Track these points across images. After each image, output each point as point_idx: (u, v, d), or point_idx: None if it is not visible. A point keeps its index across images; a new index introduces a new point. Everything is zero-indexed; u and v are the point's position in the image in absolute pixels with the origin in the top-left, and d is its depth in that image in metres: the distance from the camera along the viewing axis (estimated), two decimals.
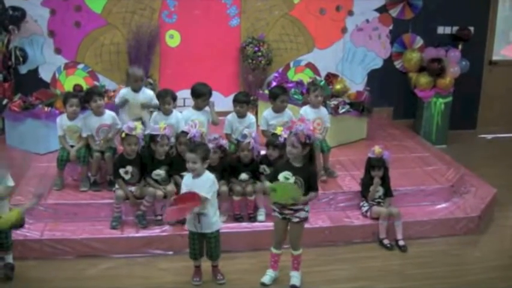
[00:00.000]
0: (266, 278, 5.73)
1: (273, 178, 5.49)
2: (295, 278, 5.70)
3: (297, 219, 5.52)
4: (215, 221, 5.54)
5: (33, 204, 5.79)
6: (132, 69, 7.46)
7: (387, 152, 6.85)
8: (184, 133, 6.59)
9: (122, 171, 6.43)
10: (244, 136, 6.69)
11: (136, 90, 7.24)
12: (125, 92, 7.28)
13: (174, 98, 7.16)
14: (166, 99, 7.00)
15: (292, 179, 5.37)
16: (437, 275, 6.07)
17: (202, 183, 5.41)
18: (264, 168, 6.65)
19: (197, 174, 5.43)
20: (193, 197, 5.30)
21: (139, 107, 7.20)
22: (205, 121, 7.12)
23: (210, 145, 6.43)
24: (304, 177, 5.41)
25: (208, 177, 5.48)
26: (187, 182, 5.49)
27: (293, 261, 5.70)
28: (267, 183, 5.65)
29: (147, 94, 7.32)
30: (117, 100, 7.26)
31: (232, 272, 5.85)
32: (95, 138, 6.87)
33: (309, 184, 5.46)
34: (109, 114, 6.99)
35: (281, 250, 5.71)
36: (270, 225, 5.83)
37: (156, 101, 7.16)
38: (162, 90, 7.20)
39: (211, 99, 7.20)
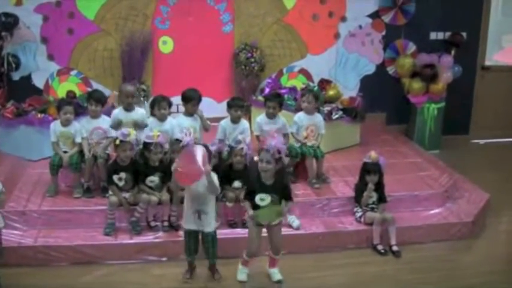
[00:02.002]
0: (242, 276, 5.87)
1: (250, 199, 5.64)
2: (276, 274, 5.84)
3: (274, 223, 5.68)
4: (213, 221, 5.70)
5: None
6: (124, 85, 7.43)
7: (383, 158, 6.86)
8: (178, 141, 6.58)
9: (115, 177, 6.42)
10: (238, 142, 6.69)
11: (128, 109, 7.15)
12: (117, 112, 7.15)
13: (170, 104, 7.15)
14: (162, 104, 6.98)
15: (268, 199, 5.54)
16: (431, 280, 6.08)
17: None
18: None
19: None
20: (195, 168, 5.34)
21: (132, 125, 7.15)
22: (197, 127, 7.12)
23: (213, 148, 6.46)
24: (278, 193, 5.59)
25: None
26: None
27: (271, 262, 5.87)
28: (250, 211, 5.69)
29: (140, 113, 7.20)
30: (111, 123, 7.15)
31: (227, 277, 5.85)
32: (88, 141, 6.87)
33: (285, 196, 5.66)
34: (105, 119, 7.02)
35: (253, 258, 5.85)
36: (263, 230, 5.83)
37: (146, 121, 7.12)
38: (158, 95, 7.18)
39: (200, 107, 7.20)
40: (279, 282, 5.80)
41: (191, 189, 5.58)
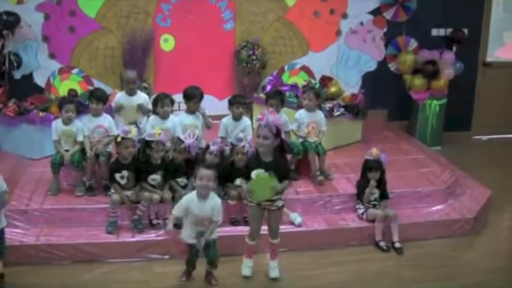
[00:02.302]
0: (247, 270, 5.84)
1: (247, 178, 5.58)
2: (274, 269, 5.81)
3: (274, 208, 5.63)
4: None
5: None
6: (125, 71, 7.54)
7: (384, 155, 6.85)
8: (181, 141, 6.59)
9: (117, 175, 6.42)
10: (239, 139, 6.69)
11: (130, 94, 7.25)
12: (119, 96, 7.30)
13: (173, 102, 7.16)
14: (165, 102, 6.99)
15: (265, 175, 5.43)
16: (433, 276, 6.08)
17: (212, 207, 5.39)
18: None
19: (207, 194, 5.37)
20: None
21: (135, 110, 7.20)
22: (199, 124, 7.12)
23: (214, 147, 6.46)
24: (276, 170, 5.46)
25: (216, 201, 5.44)
26: (195, 207, 5.38)
27: (271, 250, 5.82)
28: (244, 187, 5.72)
29: (142, 97, 7.34)
30: (113, 105, 7.27)
31: (228, 275, 5.83)
32: (90, 139, 6.89)
33: (282, 174, 5.53)
34: (106, 117, 7.03)
35: (255, 241, 5.79)
36: (265, 228, 5.83)
37: (150, 106, 7.17)
38: (161, 93, 7.17)
39: (202, 105, 7.20)
40: (274, 279, 5.79)
41: (196, 215, 5.42)
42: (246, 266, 5.86)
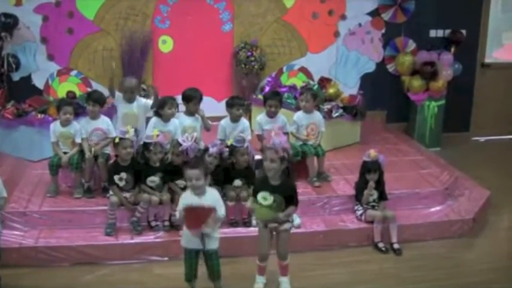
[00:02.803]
0: (259, 286, 5.68)
1: (253, 197, 5.47)
2: (284, 283, 5.68)
3: (282, 230, 5.53)
4: (217, 237, 5.36)
5: None
6: (125, 79, 7.45)
7: (382, 156, 6.86)
8: (180, 144, 6.59)
9: (116, 177, 6.42)
10: (239, 141, 6.68)
11: (130, 101, 7.24)
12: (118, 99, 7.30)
13: (177, 106, 7.16)
14: (173, 103, 6.99)
15: (270, 199, 5.33)
16: (432, 277, 6.08)
17: (211, 201, 5.21)
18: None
19: (201, 192, 5.22)
20: (203, 213, 5.13)
21: (135, 117, 7.18)
22: (197, 126, 7.12)
23: (214, 149, 6.46)
24: (283, 195, 5.37)
25: (214, 194, 5.32)
26: (193, 201, 5.18)
27: (281, 269, 5.69)
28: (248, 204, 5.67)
29: (141, 103, 7.33)
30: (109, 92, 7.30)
31: (228, 277, 5.80)
32: (88, 141, 6.89)
33: (290, 199, 5.43)
34: (104, 119, 7.03)
35: (266, 262, 5.66)
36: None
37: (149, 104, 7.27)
38: (166, 96, 7.13)
39: (201, 107, 7.20)
40: None
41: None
42: (259, 282, 5.69)
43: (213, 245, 5.32)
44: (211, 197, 5.26)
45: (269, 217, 5.43)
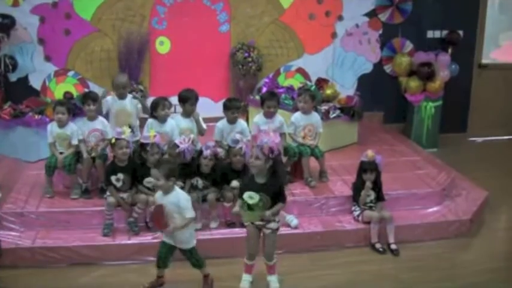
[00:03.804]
0: (246, 284, 5.70)
1: (240, 197, 5.47)
2: (273, 282, 5.68)
3: (269, 230, 5.53)
4: (190, 239, 5.49)
5: None
6: (117, 76, 7.53)
7: (380, 156, 6.86)
8: (177, 145, 6.58)
9: (113, 178, 6.42)
10: (235, 141, 6.68)
11: (121, 97, 7.26)
12: (109, 99, 7.32)
13: (170, 105, 7.17)
14: (166, 104, 7.00)
15: (256, 198, 5.33)
16: (430, 278, 6.08)
17: (173, 201, 5.33)
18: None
19: (165, 191, 5.35)
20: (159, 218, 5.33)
21: (126, 114, 7.20)
22: (193, 128, 7.13)
23: (207, 152, 6.46)
24: (269, 193, 5.39)
25: (180, 196, 5.39)
26: (159, 200, 5.42)
27: (268, 268, 5.69)
28: (236, 208, 5.70)
29: (132, 101, 7.38)
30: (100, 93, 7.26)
31: (226, 278, 5.83)
32: (86, 142, 6.88)
33: (276, 197, 5.45)
34: (101, 120, 7.02)
35: (254, 261, 5.67)
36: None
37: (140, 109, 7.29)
38: (159, 97, 7.15)
39: (197, 110, 7.19)
40: None
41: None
42: (245, 281, 5.71)
43: (185, 245, 5.46)
44: (174, 197, 5.35)
45: (257, 219, 5.46)
